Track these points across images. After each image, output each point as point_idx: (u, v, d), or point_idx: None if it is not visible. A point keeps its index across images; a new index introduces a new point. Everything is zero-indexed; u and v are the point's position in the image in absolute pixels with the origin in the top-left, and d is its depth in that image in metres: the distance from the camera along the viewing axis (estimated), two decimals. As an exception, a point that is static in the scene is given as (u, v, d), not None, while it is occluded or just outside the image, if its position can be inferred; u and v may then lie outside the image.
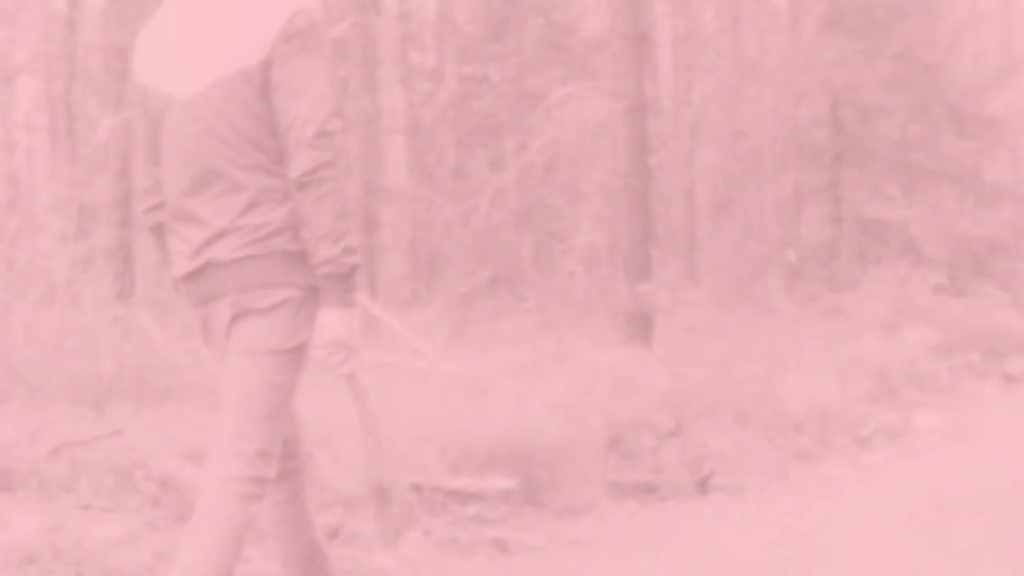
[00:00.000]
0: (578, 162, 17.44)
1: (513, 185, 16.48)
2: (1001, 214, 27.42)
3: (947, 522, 8.08)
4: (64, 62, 17.03)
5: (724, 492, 9.46)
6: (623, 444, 9.85)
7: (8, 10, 17.32)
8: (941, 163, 24.97)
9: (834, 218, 22.85)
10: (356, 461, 7.24)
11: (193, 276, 4.25)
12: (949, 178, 25.28)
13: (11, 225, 11.37)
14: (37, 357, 9.22)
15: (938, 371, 16.64)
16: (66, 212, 11.97)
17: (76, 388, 8.80)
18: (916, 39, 23.39)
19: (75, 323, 9.76)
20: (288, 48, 4.05)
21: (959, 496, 8.96)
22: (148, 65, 4.33)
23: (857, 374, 14.27)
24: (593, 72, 18.13)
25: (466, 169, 18.05)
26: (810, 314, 18.68)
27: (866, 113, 22.98)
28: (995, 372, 18.18)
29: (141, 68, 4.37)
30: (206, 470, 4.31)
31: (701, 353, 13.18)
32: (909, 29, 23.18)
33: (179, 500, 6.71)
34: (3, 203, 17.11)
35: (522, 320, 14.87)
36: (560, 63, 18.48)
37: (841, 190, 22.72)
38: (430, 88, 19.52)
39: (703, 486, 9.52)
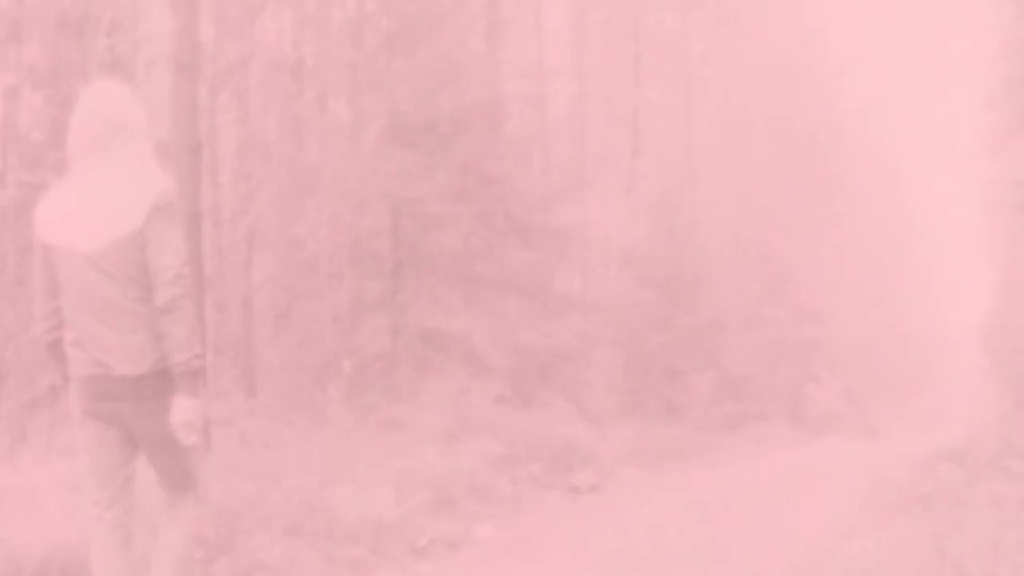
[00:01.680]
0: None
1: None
2: (568, 324, 28.84)
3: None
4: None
5: (274, 603, 9.99)
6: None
7: None
8: (505, 274, 26.06)
9: (394, 328, 23.54)
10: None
11: (95, 380, 6.36)
12: (513, 289, 26.36)
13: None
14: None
15: (499, 482, 17.46)
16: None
17: None
18: (480, 152, 24.52)
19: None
20: (156, 216, 6.26)
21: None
22: (52, 228, 6.42)
23: (414, 485, 14.94)
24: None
25: (26, 277, 18.15)
26: (368, 425, 19.23)
27: (427, 224, 23.88)
28: (561, 483, 19.10)
29: (45, 230, 6.45)
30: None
31: (256, 464, 13.60)
32: (472, 142, 24.32)
33: None
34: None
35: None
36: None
37: (401, 300, 23.49)
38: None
39: (253, 598, 10.03)
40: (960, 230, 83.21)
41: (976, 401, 64.46)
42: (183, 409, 6.27)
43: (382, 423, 19.67)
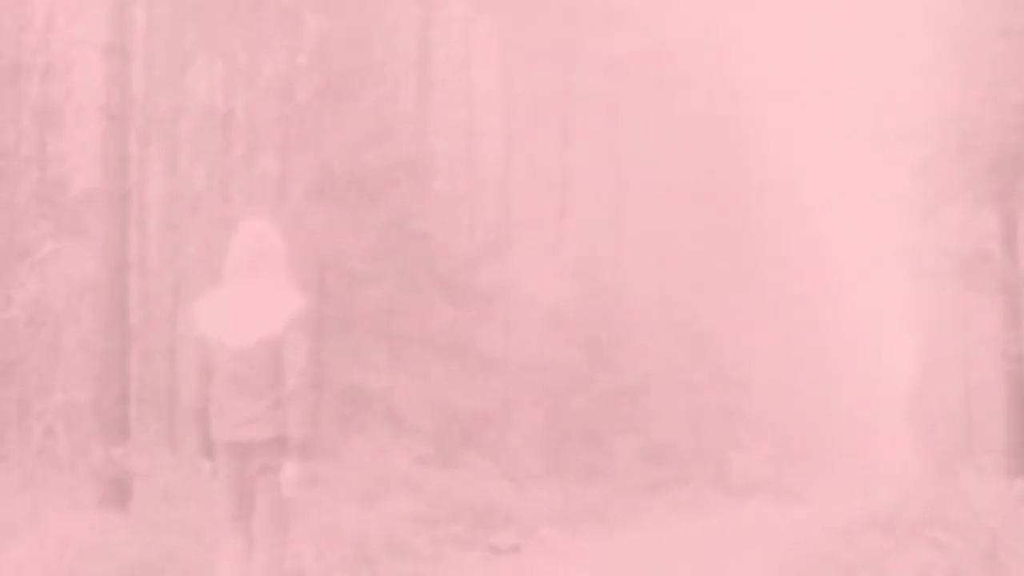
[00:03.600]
0: (62, 318, 17.88)
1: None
2: (491, 384, 29.01)
3: None
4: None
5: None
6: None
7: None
8: (429, 332, 26.21)
9: (317, 384, 23.22)
10: None
11: (235, 442, 8.36)
12: (437, 347, 26.52)
13: None
14: None
15: (420, 541, 17.67)
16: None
17: None
18: (407, 208, 24.68)
19: None
20: (293, 326, 8.35)
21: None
22: (210, 325, 8.49)
23: (335, 542, 15.15)
24: (83, 228, 18.68)
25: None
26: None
27: (352, 280, 24.06)
28: (481, 543, 19.40)
29: (204, 324, 8.53)
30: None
31: (179, 519, 13.65)
32: (399, 198, 24.50)
33: None
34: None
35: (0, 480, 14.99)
36: (50, 218, 18.89)
37: (324, 356, 23.47)
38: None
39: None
40: (886, 298, 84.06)
41: (898, 469, 64.99)
42: (291, 471, 8.22)
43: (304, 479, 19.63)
